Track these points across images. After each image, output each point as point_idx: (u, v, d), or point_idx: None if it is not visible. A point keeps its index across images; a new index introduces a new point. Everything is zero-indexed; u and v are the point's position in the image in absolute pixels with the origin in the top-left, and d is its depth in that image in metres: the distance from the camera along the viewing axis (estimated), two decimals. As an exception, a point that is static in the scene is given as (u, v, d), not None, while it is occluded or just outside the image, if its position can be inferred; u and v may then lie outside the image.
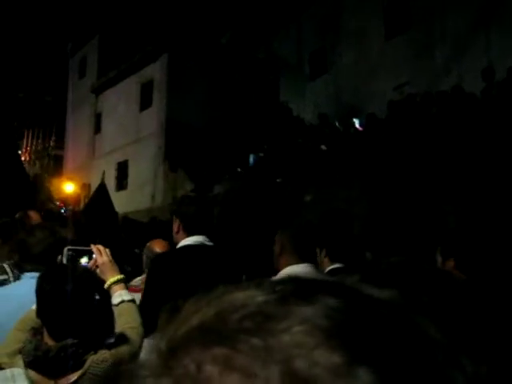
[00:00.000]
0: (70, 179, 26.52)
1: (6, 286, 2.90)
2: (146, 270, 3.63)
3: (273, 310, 0.43)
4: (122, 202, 22.41)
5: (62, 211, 21.20)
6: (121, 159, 23.67)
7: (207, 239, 3.19)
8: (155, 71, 22.12)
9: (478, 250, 2.82)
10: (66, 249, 2.63)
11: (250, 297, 0.45)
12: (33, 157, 38.37)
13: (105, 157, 24.94)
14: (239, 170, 15.64)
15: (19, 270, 2.99)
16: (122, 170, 23.57)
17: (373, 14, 17.99)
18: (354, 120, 13.72)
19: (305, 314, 0.42)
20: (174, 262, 3.11)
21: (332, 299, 0.44)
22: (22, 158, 37.90)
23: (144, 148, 21.83)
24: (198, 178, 17.24)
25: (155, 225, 12.40)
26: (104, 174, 19.39)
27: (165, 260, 3.29)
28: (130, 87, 23.72)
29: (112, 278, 2.55)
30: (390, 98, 14.35)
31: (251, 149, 16.06)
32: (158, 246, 4.10)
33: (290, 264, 2.90)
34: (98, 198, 15.13)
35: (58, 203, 23.53)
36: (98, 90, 26.36)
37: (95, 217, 11.66)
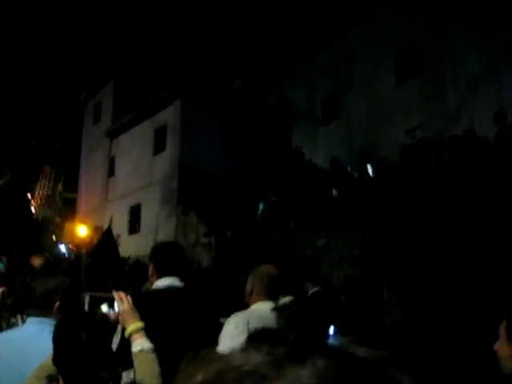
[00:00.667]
0: (83, 222, 26.64)
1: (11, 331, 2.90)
2: None
3: (267, 370, 0.48)
4: (134, 246, 22.43)
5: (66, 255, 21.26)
6: (133, 203, 23.79)
7: (178, 280, 3.39)
8: (169, 116, 22.41)
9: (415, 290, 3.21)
10: (87, 295, 2.62)
11: (247, 358, 0.50)
12: (43, 201, 38.77)
13: (118, 200, 25.09)
14: (253, 214, 15.66)
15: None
16: (135, 213, 23.66)
17: (384, 59, 18.22)
18: (368, 166, 13.76)
19: (296, 374, 0.47)
20: (147, 302, 3.20)
21: (321, 361, 0.48)
22: (33, 203, 38.50)
23: (157, 192, 21.95)
24: (210, 221, 17.25)
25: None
26: (111, 219, 19.58)
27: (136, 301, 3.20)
28: (143, 131, 24.02)
29: (133, 325, 2.53)
30: (402, 142, 14.41)
31: (264, 193, 16.10)
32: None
33: (259, 301, 3.31)
34: (104, 242, 15.25)
35: (70, 246, 23.58)
36: (112, 135, 26.72)
37: (101, 260, 11.71)
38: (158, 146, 22.82)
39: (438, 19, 16.23)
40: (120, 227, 24.28)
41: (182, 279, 3.44)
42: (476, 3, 14.98)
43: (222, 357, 0.52)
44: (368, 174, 13.61)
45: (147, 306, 3.14)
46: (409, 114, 16.87)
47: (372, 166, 13.65)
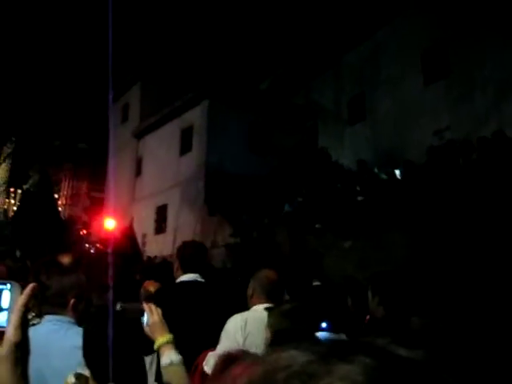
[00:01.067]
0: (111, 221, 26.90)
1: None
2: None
3: (315, 368, 0.48)
4: (160, 245, 22.61)
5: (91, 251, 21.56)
6: (160, 203, 23.97)
7: (199, 276, 3.95)
8: (195, 117, 22.52)
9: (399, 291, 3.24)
10: (117, 305, 2.62)
11: (293, 357, 0.50)
12: (69, 200, 39.29)
13: (144, 200, 25.31)
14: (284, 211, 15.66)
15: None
16: (161, 213, 23.84)
17: (411, 60, 18.08)
18: (396, 171, 13.69)
19: (344, 371, 0.47)
20: (171, 293, 3.89)
21: (368, 359, 0.48)
22: (60, 202, 39.04)
23: (183, 192, 22.07)
24: (236, 222, 17.30)
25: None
26: (133, 219, 19.92)
27: (164, 292, 4.05)
28: (170, 132, 24.18)
29: (161, 338, 2.51)
30: (430, 144, 14.28)
31: (290, 194, 16.10)
32: (151, 286, 4.80)
33: (258, 304, 3.50)
34: (126, 240, 15.51)
35: (97, 245, 23.86)
36: (139, 135, 26.97)
37: (122, 257, 11.86)
38: (185, 147, 22.95)
39: (466, 19, 16.05)
40: (146, 227, 24.50)
41: (203, 276, 3.97)
42: (507, 4, 14.78)
43: (266, 358, 0.52)
44: (395, 176, 13.53)
45: (172, 296, 3.80)
46: (437, 115, 16.71)
47: (399, 169, 13.58)
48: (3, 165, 39.59)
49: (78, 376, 2.26)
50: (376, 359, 0.49)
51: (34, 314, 3.21)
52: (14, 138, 41.25)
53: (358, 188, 13.98)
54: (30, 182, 34.53)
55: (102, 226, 24.81)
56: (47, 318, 2.80)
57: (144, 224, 24.80)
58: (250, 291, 3.63)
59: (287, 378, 0.48)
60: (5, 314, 1.06)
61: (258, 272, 3.74)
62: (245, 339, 3.20)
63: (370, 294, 3.37)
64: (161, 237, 23.25)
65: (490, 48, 15.37)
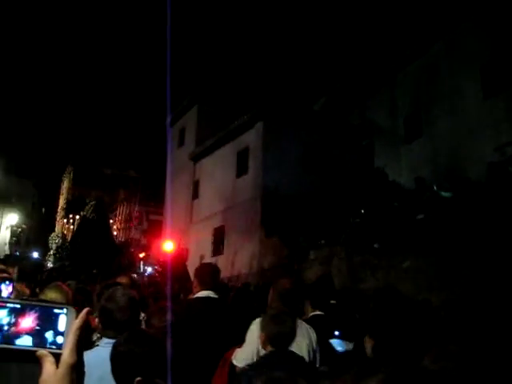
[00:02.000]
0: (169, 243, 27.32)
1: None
2: None
3: None
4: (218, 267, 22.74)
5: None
6: (217, 224, 24.17)
7: (213, 293, 4.57)
8: (251, 139, 22.69)
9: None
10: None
11: None
12: (123, 225, 40.90)
13: (202, 222, 25.59)
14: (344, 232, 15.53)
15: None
16: (219, 235, 24.02)
17: (468, 74, 17.72)
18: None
19: None
20: (189, 307, 4.71)
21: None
22: (115, 227, 40.66)
23: (240, 214, 22.19)
24: (293, 243, 17.25)
25: (247, 290, 12.41)
26: (181, 245, 20.42)
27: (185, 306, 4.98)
28: (226, 154, 24.45)
29: None
30: (490, 160, 13.91)
31: (347, 214, 15.95)
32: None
33: None
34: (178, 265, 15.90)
35: (156, 268, 24.25)
36: (195, 158, 27.39)
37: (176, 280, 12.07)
38: (241, 169, 23.12)
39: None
40: (204, 248, 24.73)
41: (217, 293, 4.63)
42: None
43: None
44: (457, 193, 13.22)
45: (190, 309, 4.56)
46: (497, 129, 16.27)
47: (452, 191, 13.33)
48: (64, 192, 41.60)
49: None
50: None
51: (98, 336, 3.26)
52: (71, 163, 43.09)
53: (416, 206, 13.71)
54: (87, 208, 36.15)
55: (160, 248, 25.24)
56: (105, 340, 2.83)
57: (202, 246, 25.05)
58: (269, 298, 4.21)
59: None
60: (61, 337, 1.11)
61: (276, 281, 4.34)
62: None
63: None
64: (219, 258, 23.40)
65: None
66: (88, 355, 2.63)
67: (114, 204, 43.26)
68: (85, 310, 1.16)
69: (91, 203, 36.26)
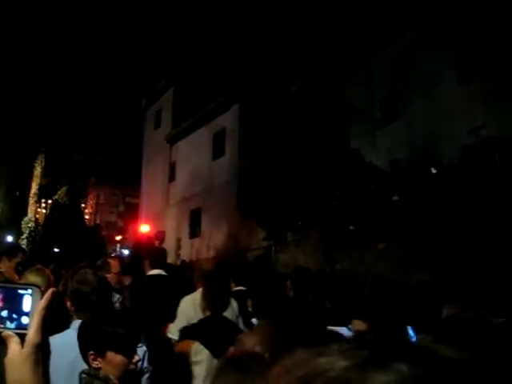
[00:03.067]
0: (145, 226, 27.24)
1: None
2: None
3: (352, 375, 0.49)
4: (195, 249, 22.77)
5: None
6: (194, 207, 24.13)
7: (163, 271, 5.43)
8: (227, 121, 22.63)
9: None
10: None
11: (331, 362, 0.51)
12: (94, 209, 41.53)
13: (179, 205, 25.53)
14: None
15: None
16: (195, 217, 24.00)
17: (444, 58, 17.83)
18: (432, 169, 13.54)
19: (380, 381, 0.47)
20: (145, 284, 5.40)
21: (406, 366, 0.48)
22: (87, 210, 41.25)
23: (216, 196, 22.18)
24: (270, 225, 17.31)
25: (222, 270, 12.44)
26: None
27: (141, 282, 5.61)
28: (202, 136, 24.36)
29: None
30: (465, 143, 14.07)
31: (323, 195, 16.03)
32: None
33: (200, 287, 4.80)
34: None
35: (132, 250, 24.16)
36: (171, 141, 27.23)
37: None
38: (217, 151, 23.07)
39: (501, 15, 15.76)
40: (181, 231, 24.70)
41: (166, 271, 5.51)
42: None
43: (307, 361, 0.53)
44: (430, 174, 13.36)
45: (146, 285, 5.25)
46: (472, 113, 16.42)
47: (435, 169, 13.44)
48: (35, 177, 41.61)
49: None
50: (415, 368, 0.48)
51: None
52: (43, 149, 43.20)
53: (391, 188, 13.84)
54: (59, 192, 36.46)
55: (137, 231, 25.17)
56: (78, 322, 2.81)
57: (178, 228, 25.02)
58: (194, 277, 5.47)
59: (324, 383, 0.50)
60: (26, 318, 1.12)
61: (200, 262, 5.60)
62: (195, 313, 4.17)
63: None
64: (196, 240, 23.41)
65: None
66: (61, 337, 2.67)
67: (85, 189, 43.68)
68: (50, 291, 1.15)
69: (63, 188, 36.39)
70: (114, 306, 4.15)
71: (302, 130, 21.61)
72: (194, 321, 3.90)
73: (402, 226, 12.33)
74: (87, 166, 44.32)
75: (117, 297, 4.95)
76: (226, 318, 4.01)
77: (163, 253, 6.03)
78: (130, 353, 2.41)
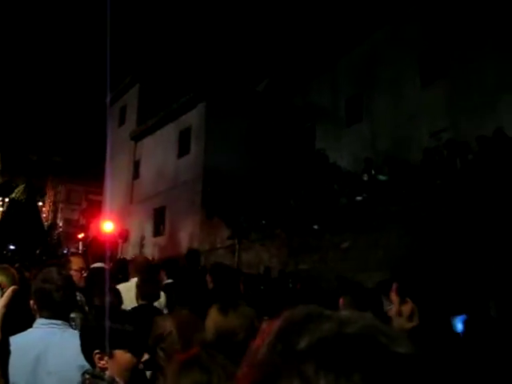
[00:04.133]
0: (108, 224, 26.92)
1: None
2: None
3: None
4: (158, 248, 22.61)
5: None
6: (158, 205, 23.95)
7: (103, 264, 5.74)
8: (193, 119, 22.53)
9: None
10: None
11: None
12: (52, 207, 41.20)
13: (143, 202, 25.30)
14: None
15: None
16: (159, 215, 23.82)
17: (408, 61, 18.12)
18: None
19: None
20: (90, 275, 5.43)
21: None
22: (44, 209, 40.97)
23: (181, 194, 22.06)
24: (233, 224, 17.31)
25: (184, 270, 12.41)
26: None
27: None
28: (168, 134, 24.18)
29: None
30: (427, 145, 14.32)
31: (288, 195, 16.12)
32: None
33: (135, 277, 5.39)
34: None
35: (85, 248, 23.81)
36: (136, 138, 26.96)
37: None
38: (183, 149, 22.94)
39: (463, 20, 16.09)
40: (145, 229, 24.50)
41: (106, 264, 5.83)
42: (504, 6, 14.82)
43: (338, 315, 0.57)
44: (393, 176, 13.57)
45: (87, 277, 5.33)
46: (434, 116, 16.74)
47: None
48: None
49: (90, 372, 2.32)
50: None
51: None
52: None
53: (355, 188, 14.00)
54: (16, 191, 36.15)
55: (99, 228, 24.86)
56: (41, 321, 2.81)
57: (142, 226, 24.80)
58: (130, 270, 5.85)
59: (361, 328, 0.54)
60: None
61: (134, 258, 6.45)
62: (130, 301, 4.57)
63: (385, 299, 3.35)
64: (159, 239, 23.25)
65: (487, 49, 15.41)
66: (24, 336, 2.66)
67: (43, 187, 43.40)
68: (11, 289, 1.14)
69: (20, 186, 35.97)
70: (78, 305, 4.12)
71: (268, 130, 21.68)
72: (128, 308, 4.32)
73: (366, 225, 12.50)
74: (43, 165, 43.92)
75: (79, 295, 4.89)
76: (155, 307, 4.68)
77: (103, 245, 6.81)
78: (139, 351, 2.34)
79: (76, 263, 5.14)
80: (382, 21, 19.32)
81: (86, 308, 4.16)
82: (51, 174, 43.49)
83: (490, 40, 15.28)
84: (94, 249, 6.34)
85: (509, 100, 14.45)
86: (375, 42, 19.58)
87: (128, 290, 4.81)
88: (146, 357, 2.36)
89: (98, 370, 2.26)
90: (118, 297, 4.35)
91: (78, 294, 4.54)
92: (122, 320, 2.40)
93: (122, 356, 2.28)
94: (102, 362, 2.27)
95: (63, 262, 5.14)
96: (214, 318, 2.63)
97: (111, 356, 2.26)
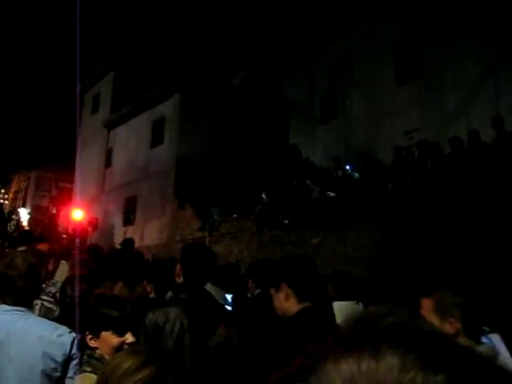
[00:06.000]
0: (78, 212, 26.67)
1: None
2: None
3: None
4: (128, 237, 22.44)
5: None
6: (129, 194, 23.79)
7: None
8: (167, 109, 22.40)
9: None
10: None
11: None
12: (14, 195, 42.33)
13: (114, 191, 25.10)
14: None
15: None
16: (130, 205, 23.66)
17: (384, 60, 18.25)
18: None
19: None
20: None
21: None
22: (6, 196, 42.13)
23: (153, 184, 21.95)
24: (205, 216, 17.29)
25: (154, 261, 12.40)
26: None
27: None
28: (141, 123, 24.01)
29: None
30: (399, 144, 14.46)
31: (260, 189, 16.14)
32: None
33: None
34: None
35: (64, 236, 23.60)
36: (109, 126, 26.70)
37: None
38: (156, 139, 22.81)
39: (438, 22, 16.26)
40: (115, 218, 24.31)
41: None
42: (477, 7, 15.02)
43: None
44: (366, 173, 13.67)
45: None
46: (407, 115, 16.90)
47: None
48: None
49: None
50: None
51: None
52: None
53: (327, 184, 14.08)
54: None
55: (69, 216, 24.60)
56: (3, 307, 2.77)
57: (112, 215, 24.61)
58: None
59: None
60: None
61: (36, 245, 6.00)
62: None
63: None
64: (129, 228, 23.09)
65: (460, 49, 15.59)
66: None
67: (8, 176, 44.53)
68: None
69: None
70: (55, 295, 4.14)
71: (242, 123, 21.67)
72: None
73: (337, 221, 12.59)
74: (9, 156, 44.23)
75: (58, 285, 4.78)
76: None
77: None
78: (122, 332, 2.56)
79: (44, 250, 5.08)
80: (359, 18, 19.43)
81: (58, 296, 4.12)
82: (17, 164, 43.93)
83: (465, 41, 15.46)
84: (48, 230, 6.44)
85: (481, 102, 14.67)
86: (352, 40, 19.68)
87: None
88: (130, 339, 2.57)
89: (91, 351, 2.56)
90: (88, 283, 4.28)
91: (57, 282, 4.49)
92: (112, 305, 2.64)
93: (108, 337, 2.53)
94: (92, 342, 2.53)
95: (30, 251, 5.08)
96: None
97: (98, 337, 2.54)
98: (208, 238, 16.49)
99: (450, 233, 9.45)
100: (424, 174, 11.67)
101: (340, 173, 14.25)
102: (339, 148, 18.04)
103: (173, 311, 3.14)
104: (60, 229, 27.36)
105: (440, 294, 2.12)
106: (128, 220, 23.71)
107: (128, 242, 10.72)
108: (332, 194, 13.31)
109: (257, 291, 5.04)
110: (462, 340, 1.95)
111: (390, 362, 0.47)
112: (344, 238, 12.33)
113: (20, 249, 5.25)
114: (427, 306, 2.12)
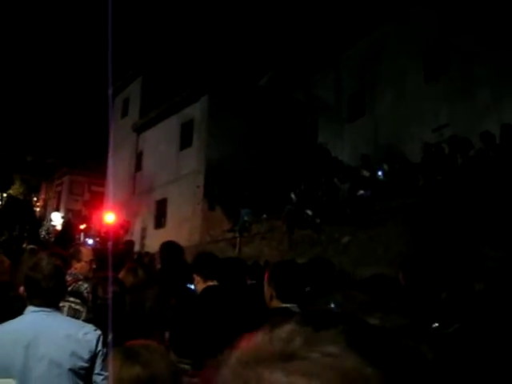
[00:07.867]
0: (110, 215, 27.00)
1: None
2: None
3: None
4: (159, 240, 22.62)
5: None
6: (160, 197, 24.01)
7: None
8: (196, 111, 22.54)
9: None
10: None
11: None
12: (45, 203, 43.82)
13: (145, 194, 25.36)
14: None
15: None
16: (161, 207, 23.88)
17: (412, 57, 18.07)
18: (379, 172, 13.83)
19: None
20: None
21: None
22: (38, 204, 43.56)
23: (183, 187, 22.10)
24: (235, 217, 17.35)
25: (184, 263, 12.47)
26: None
27: None
28: (170, 127, 24.21)
29: None
30: (428, 141, 14.30)
31: (289, 189, 16.14)
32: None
33: None
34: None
35: (97, 239, 23.92)
36: (139, 130, 26.99)
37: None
38: (185, 142, 22.97)
39: (468, 16, 16.03)
40: (146, 221, 24.56)
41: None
42: (506, 2, 14.76)
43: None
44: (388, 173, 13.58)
45: None
46: (436, 111, 16.71)
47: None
48: None
49: None
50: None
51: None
52: None
53: (357, 183, 14.00)
54: (13, 187, 39.68)
55: (101, 219, 24.92)
56: (31, 308, 2.86)
57: (144, 218, 24.87)
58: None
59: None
60: None
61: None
62: None
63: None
64: (161, 231, 23.28)
65: (490, 44, 15.35)
66: (15, 322, 2.72)
67: (39, 185, 46.17)
68: None
69: (16, 184, 39.05)
70: (82, 296, 4.19)
71: (270, 123, 21.68)
72: None
73: (365, 221, 12.51)
74: (38, 166, 45.76)
75: (85, 286, 4.82)
76: None
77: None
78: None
79: (86, 255, 5.17)
80: (386, 15, 19.27)
81: (90, 297, 4.17)
82: (47, 172, 45.51)
83: (493, 35, 15.21)
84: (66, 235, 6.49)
85: (509, 97, 14.42)
86: (379, 36, 19.53)
87: None
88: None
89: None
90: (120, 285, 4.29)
91: (83, 283, 4.57)
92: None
93: None
94: None
95: (73, 253, 5.18)
96: None
97: None
98: (239, 239, 16.54)
99: (481, 229, 9.32)
100: (454, 170, 11.52)
101: (367, 173, 14.14)
102: (367, 146, 17.92)
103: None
104: (76, 233, 27.90)
105: None
106: (159, 222, 23.93)
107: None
108: (361, 192, 13.23)
109: (250, 282, 5.28)
110: None
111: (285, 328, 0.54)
112: (374, 236, 12.24)
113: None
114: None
